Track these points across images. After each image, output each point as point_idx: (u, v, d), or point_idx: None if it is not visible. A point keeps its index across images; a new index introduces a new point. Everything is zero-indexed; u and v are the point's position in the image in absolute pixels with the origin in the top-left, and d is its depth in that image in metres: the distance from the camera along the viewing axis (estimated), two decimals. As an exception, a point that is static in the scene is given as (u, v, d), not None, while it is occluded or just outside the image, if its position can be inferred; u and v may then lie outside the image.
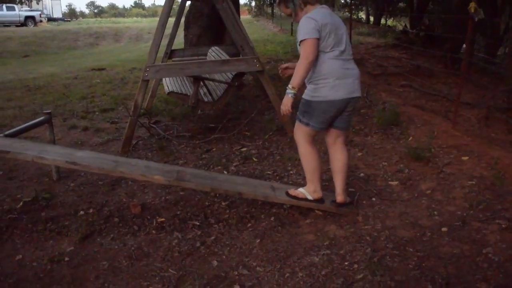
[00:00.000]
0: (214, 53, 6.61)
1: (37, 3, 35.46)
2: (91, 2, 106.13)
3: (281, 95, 4.72)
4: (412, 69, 10.38)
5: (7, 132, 3.78)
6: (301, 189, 3.61)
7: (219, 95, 5.60)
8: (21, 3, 26.83)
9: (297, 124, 3.48)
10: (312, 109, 3.32)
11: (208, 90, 5.76)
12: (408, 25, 26.88)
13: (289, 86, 3.20)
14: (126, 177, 3.56)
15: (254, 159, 4.92)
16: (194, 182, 3.32)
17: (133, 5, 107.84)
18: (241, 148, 5.28)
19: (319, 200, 3.58)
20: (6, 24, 31.77)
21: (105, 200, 3.94)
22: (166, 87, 5.79)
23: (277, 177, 4.38)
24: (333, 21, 3.24)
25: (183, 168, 3.78)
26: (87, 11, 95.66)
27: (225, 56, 6.33)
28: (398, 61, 11.59)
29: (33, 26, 32.19)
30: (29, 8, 34.12)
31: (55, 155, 3.18)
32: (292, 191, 3.61)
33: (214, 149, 5.27)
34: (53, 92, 9.40)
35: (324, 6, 3.38)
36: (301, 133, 3.47)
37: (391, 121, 5.88)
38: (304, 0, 3.30)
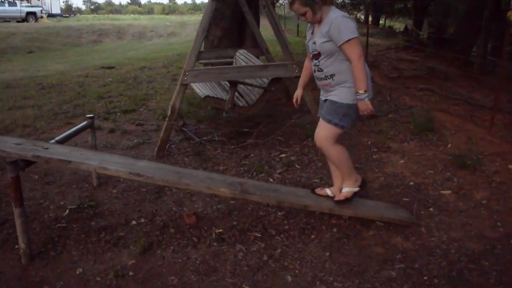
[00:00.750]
0: (243, 56, 6.49)
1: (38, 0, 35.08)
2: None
3: (315, 99, 4.67)
4: (427, 71, 10.32)
5: (57, 138, 3.66)
6: (345, 189, 3.55)
7: (254, 100, 5.50)
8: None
9: (330, 127, 3.33)
10: (352, 112, 3.26)
11: (240, 94, 5.66)
12: (410, 26, 26.95)
13: (360, 91, 3.12)
14: (191, 189, 3.41)
15: (297, 165, 4.81)
16: (259, 195, 3.21)
17: (129, 2, 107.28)
18: (280, 154, 5.17)
19: (363, 184, 3.61)
20: (6, 19, 31.50)
21: (155, 209, 3.82)
22: (198, 91, 5.69)
23: (327, 186, 4.27)
24: None
25: (245, 180, 3.67)
26: (83, 7, 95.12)
27: (255, 60, 6.23)
28: (411, 64, 11.52)
29: (34, 22, 31.88)
30: (29, 4, 33.75)
31: (117, 165, 3.06)
32: (340, 195, 3.53)
33: (252, 155, 5.15)
34: (68, 90, 9.26)
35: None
36: (333, 136, 3.36)
37: (425, 127, 5.80)
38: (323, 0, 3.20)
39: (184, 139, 5.70)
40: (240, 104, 5.45)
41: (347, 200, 3.50)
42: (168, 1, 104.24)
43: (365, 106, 3.13)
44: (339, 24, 3.08)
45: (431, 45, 13.11)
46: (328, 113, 3.33)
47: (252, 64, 6.12)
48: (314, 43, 3.25)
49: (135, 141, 5.78)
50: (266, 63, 5.60)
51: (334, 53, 3.16)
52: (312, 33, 3.34)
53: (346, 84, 3.22)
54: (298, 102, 3.77)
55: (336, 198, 3.53)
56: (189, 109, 7.23)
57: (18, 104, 8.00)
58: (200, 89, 5.70)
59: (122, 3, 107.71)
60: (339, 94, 3.26)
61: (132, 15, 62.03)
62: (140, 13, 78.07)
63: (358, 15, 33.24)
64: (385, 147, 5.34)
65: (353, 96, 3.20)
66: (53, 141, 3.57)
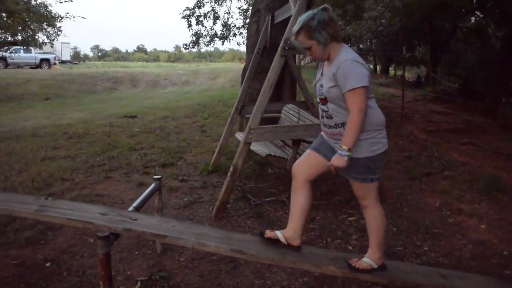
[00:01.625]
0: (293, 111, 6.24)
1: (51, 46, 35.45)
2: (95, 45, 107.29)
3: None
4: (463, 124, 10.11)
5: (135, 205, 3.33)
6: (366, 259, 3.01)
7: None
8: (38, 46, 26.59)
9: (367, 186, 2.95)
10: (376, 163, 2.90)
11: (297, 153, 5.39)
12: (422, 76, 27.09)
13: (343, 147, 2.75)
14: (297, 267, 3.00)
15: (371, 230, 4.46)
16: (370, 274, 2.86)
17: (135, 49, 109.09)
18: (347, 217, 4.83)
19: (383, 267, 3.05)
20: (20, 65, 31.77)
21: (235, 282, 3.45)
22: (256, 149, 5.42)
23: (413, 255, 3.93)
24: None
25: (346, 254, 3.31)
26: (91, 54, 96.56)
27: (307, 116, 6.00)
28: (445, 116, 11.32)
29: (48, 68, 32.17)
30: (43, 51, 34.11)
31: (215, 240, 2.72)
32: (357, 263, 2.99)
33: (318, 217, 4.82)
34: (97, 141, 9.00)
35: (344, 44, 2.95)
36: (374, 193, 3.00)
37: (493, 187, 5.49)
38: (333, 35, 2.82)
39: (239, 199, 5.37)
40: (300, 162, 5.15)
41: (359, 271, 2.98)
42: (173, 49, 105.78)
43: (339, 163, 2.78)
44: (347, 68, 2.73)
45: (459, 96, 12.98)
46: (358, 173, 2.92)
47: (305, 119, 5.88)
48: (322, 86, 2.90)
49: (185, 199, 5.45)
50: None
51: (343, 99, 2.80)
52: (322, 74, 2.99)
53: (361, 136, 2.83)
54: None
55: (354, 264, 2.99)
56: (230, 164, 6.90)
57: (50, 155, 7.73)
58: (258, 147, 5.43)
59: (128, 51, 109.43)
60: (358, 149, 2.85)
61: (139, 62, 62.76)
62: (146, 60, 79.07)
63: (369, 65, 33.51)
64: (456, 209, 5.01)
65: (371, 148, 2.84)
66: (131, 208, 3.25)
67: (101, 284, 2.57)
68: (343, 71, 2.74)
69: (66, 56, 47.95)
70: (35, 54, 33.14)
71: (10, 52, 28.93)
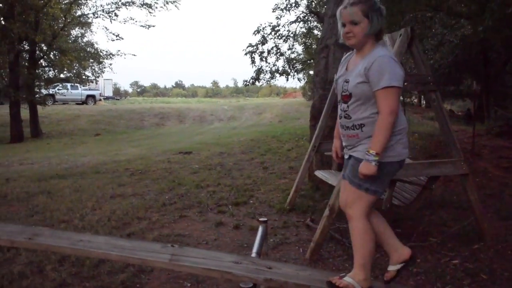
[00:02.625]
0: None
1: (96, 83, 36.56)
2: (134, 81, 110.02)
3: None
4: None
5: (255, 250, 3.15)
6: (348, 279, 2.74)
7: (408, 198, 4.98)
8: (83, 83, 27.46)
9: (359, 193, 2.70)
10: (384, 172, 2.65)
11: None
12: (471, 110, 26.49)
13: (371, 151, 2.56)
14: None
15: (483, 275, 4.16)
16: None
17: (174, 85, 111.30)
18: (450, 260, 4.54)
19: None
20: (66, 102, 32.73)
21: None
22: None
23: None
24: None
25: None
26: (130, 90, 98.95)
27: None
28: (513, 152, 10.87)
29: (93, 104, 33.06)
30: (88, 87, 35.17)
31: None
32: (338, 281, 2.71)
33: (419, 260, 4.54)
34: (160, 178, 8.96)
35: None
36: (363, 205, 2.71)
37: None
38: (381, 29, 2.65)
39: (328, 239, 5.14)
40: (395, 202, 4.92)
41: None
42: (211, 85, 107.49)
43: (369, 171, 2.57)
44: (384, 64, 2.53)
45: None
46: (355, 175, 2.68)
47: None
48: (347, 81, 2.68)
49: (271, 240, 5.25)
50: (433, 160, 5.12)
51: (369, 99, 2.62)
52: (347, 69, 2.78)
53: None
54: (339, 155, 3.13)
55: (334, 281, 2.71)
56: (308, 203, 6.71)
57: (117, 192, 7.71)
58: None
59: (166, 86, 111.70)
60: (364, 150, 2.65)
61: (178, 98, 63.82)
62: (185, 96, 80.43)
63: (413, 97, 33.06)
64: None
65: (387, 152, 2.61)
66: (254, 254, 3.07)
67: None
68: (379, 67, 2.54)
69: (109, 92, 49.33)
70: (81, 91, 34.18)
71: (59, 89, 29.97)
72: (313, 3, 17.38)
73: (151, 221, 6.02)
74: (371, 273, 2.86)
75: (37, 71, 22.73)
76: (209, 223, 5.94)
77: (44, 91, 24.07)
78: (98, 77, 29.82)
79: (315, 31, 18.56)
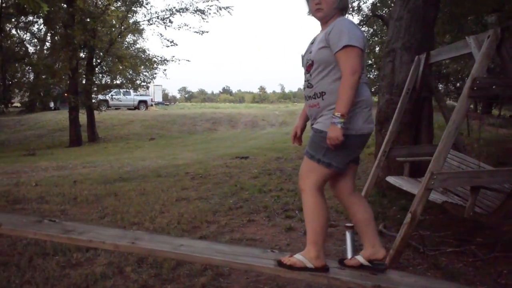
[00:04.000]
0: (458, 157, 5.85)
1: (147, 89, 37.34)
2: (182, 87, 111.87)
3: None
4: None
5: (350, 257, 3.08)
6: (298, 256, 2.72)
7: (491, 206, 4.79)
8: (136, 89, 28.06)
9: (313, 165, 2.67)
10: (344, 146, 2.57)
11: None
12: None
13: (336, 114, 2.51)
14: None
15: None
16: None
17: (221, 91, 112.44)
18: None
19: (322, 268, 2.69)
20: (118, 107, 33.56)
21: None
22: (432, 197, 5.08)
23: None
24: None
25: None
26: (178, 95, 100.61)
27: (471, 160, 5.61)
28: None
29: (145, 109, 33.77)
30: (139, 93, 35.96)
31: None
32: (286, 259, 2.72)
33: (505, 271, 4.35)
34: (221, 182, 9.01)
35: None
36: (315, 177, 2.68)
37: None
38: (347, 5, 2.69)
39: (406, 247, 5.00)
40: (477, 210, 4.74)
41: (290, 268, 2.67)
42: (258, 90, 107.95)
43: (335, 133, 2.51)
44: (343, 26, 2.54)
45: None
46: (310, 146, 2.68)
47: (468, 162, 5.50)
48: (310, 52, 2.72)
49: (344, 246, 5.15)
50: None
51: (330, 64, 2.61)
52: (312, 43, 2.75)
53: (330, 106, 2.62)
54: (297, 135, 3.11)
55: (282, 259, 2.72)
56: (375, 209, 6.57)
57: (182, 196, 7.78)
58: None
59: (214, 92, 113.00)
60: (325, 121, 2.60)
61: (226, 103, 64.34)
62: (232, 101, 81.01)
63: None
64: None
65: (346, 125, 2.55)
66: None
67: None
68: (338, 28, 2.56)
69: (158, 98, 50.31)
70: (133, 96, 34.98)
71: (112, 95, 30.81)
72: (377, 5, 17.19)
73: (220, 225, 6.03)
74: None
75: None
76: (279, 228, 5.90)
77: (100, 97, 24.77)
78: (149, 83, 30.44)
79: (377, 36, 18.31)
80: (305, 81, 2.80)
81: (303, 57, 2.88)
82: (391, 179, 6.01)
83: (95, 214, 6.64)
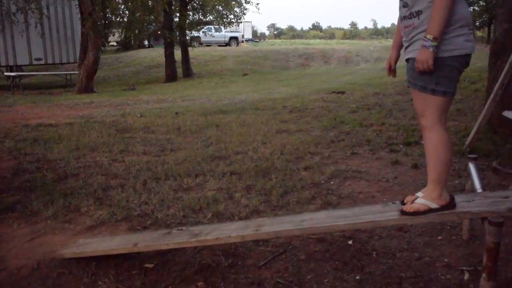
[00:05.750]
0: None
1: (237, 26, 37.35)
2: (271, 24, 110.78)
3: None
4: None
5: (478, 187, 2.93)
6: (420, 200, 2.55)
7: None
8: (227, 25, 28.05)
9: (426, 97, 2.42)
10: (443, 69, 2.35)
11: None
12: None
13: (428, 36, 2.29)
14: None
15: None
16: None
17: (310, 27, 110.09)
18: None
19: (448, 206, 2.50)
20: (209, 44, 33.93)
21: None
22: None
23: None
24: None
25: None
26: (267, 32, 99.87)
27: None
28: None
29: (236, 46, 33.92)
30: (229, 30, 36.09)
31: None
32: (408, 207, 2.56)
33: None
34: (320, 116, 8.95)
35: None
36: (434, 110, 2.42)
37: None
38: None
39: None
40: None
41: (414, 214, 2.52)
42: (349, 26, 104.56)
43: (425, 56, 2.30)
44: None
45: None
46: (414, 77, 2.42)
47: None
48: None
49: (456, 181, 4.95)
50: None
51: None
52: None
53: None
54: (392, 68, 2.87)
55: (405, 208, 2.57)
56: (486, 146, 6.20)
57: (282, 128, 7.81)
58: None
59: (303, 28, 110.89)
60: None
61: (316, 40, 63.06)
62: (322, 38, 79.23)
63: None
64: None
65: (446, 46, 2.33)
66: (479, 190, 2.84)
67: (485, 277, 2.23)
68: None
69: (248, 35, 50.29)
70: (224, 33, 35.16)
71: (204, 32, 31.06)
72: None
73: (324, 156, 5.99)
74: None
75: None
76: (384, 161, 5.76)
77: (194, 33, 25.08)
78: (240, 19, 30.32)
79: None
80: (400, 0, 2.60)
81: None
82: (509, 114, 5.61)
83: (200, 143, 6.84)
